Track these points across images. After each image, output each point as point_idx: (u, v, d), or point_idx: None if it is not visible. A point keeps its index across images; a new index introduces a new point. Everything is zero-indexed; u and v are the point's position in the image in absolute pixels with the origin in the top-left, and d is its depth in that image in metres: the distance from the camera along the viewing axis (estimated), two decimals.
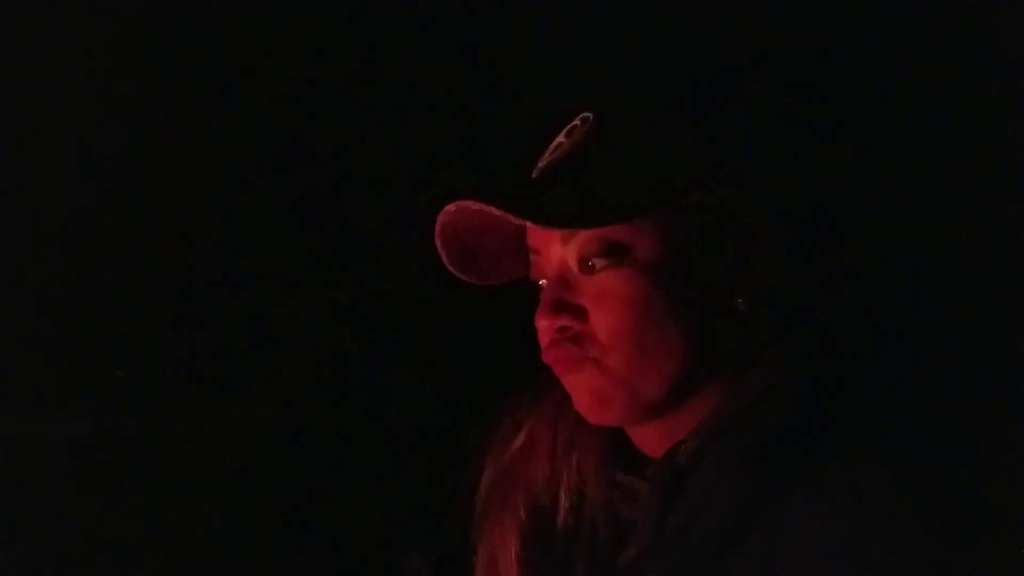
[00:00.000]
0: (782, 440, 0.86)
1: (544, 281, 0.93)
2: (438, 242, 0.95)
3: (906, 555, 0.78)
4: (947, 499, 0.82)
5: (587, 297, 0.90)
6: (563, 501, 1.01)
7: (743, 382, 0.91)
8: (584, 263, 0.90)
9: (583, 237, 0.89)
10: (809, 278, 0.97)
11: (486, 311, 1.30)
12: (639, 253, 0.89)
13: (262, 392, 1.36)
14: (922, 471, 0.83)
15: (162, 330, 1.36)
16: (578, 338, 0.90)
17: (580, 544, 0.99)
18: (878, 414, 0.89)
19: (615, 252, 0.89)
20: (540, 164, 0.97)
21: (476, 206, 0.89)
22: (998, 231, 1.21)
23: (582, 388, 0.92)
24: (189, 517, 1.31)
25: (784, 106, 1.20)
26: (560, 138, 0.96)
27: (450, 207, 0.92)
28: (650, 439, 0.95)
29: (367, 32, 1.35)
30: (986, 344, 1.16)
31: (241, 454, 1.34)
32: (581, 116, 0.95)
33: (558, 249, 0.91)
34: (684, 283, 0.90)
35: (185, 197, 1.37)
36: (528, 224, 0.90)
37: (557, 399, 1.01)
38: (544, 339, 0.92)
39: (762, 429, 0.87)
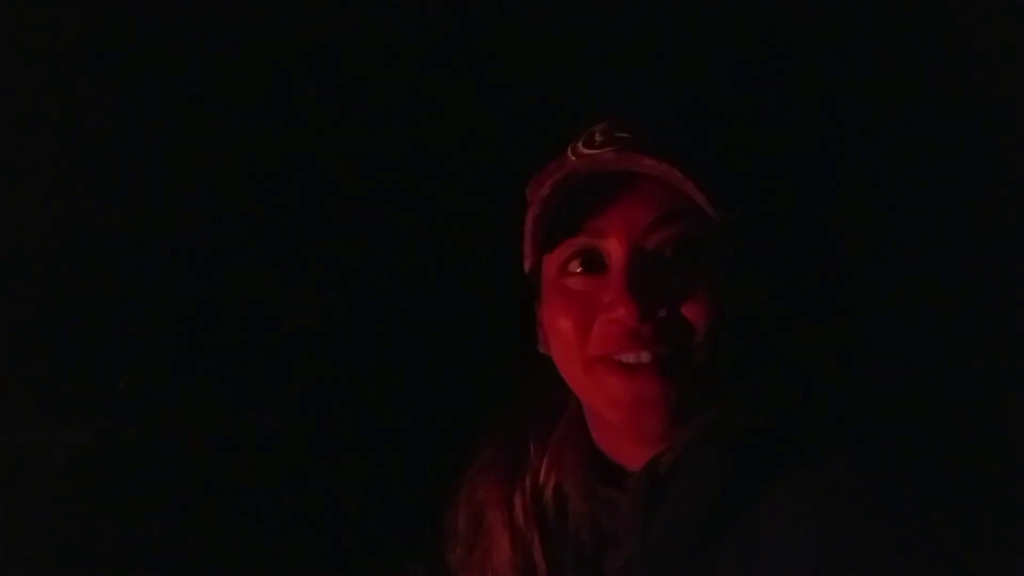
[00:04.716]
0: (757, 444, 0.89)
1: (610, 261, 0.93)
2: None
3: (878, 548, 0.80)
4: (916, 496, 0.84)
5: (678, 284, 0.91)
6: (550, 515, 1.03)
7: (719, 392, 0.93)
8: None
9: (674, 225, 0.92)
10: (787, 289, 0.99)
11: (485, 315, 1.31)
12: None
13: (263, 401, 1.37)
14: (892, 470, 0.86)
15: (163, 339, 1.37)
16: (666, 328, 0.91)
17: (567, 557, 1.01)
18: (849, 417, 0.93)
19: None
20: None
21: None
22: (968, 239, 1.22)
23: (650, 384, 0.91)
24: (190, 526, 1.31)
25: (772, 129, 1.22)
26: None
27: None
28: (629, 452, 0.98)
29: (371, 33, 1.37)
30: (954, 347, 1.19)
31: (242, 462, 1.34)
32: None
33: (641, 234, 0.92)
34: None
35: (186, 206, 1.38)
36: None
37: (539, 420, 1.04)
38: (625, 326, 0.91)
39: (738, 435, 0.89)
